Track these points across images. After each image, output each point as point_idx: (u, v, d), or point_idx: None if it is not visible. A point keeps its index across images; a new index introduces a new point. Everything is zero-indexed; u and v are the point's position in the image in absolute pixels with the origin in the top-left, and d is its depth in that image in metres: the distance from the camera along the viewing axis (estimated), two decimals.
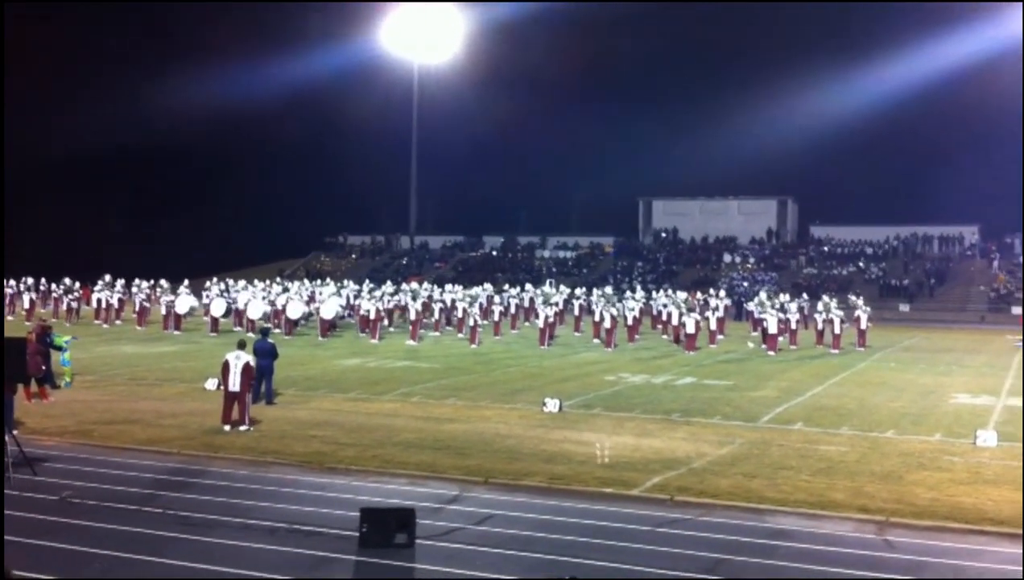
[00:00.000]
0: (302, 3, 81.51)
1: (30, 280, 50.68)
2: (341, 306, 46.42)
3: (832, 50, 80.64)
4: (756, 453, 17.60)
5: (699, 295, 51.74)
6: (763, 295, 46.60)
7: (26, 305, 48.44)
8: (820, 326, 41.66)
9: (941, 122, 73.90)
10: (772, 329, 38.69)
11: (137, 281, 48.53)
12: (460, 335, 42.62)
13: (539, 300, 47.51)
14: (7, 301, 50.17)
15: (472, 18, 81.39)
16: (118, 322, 46.20)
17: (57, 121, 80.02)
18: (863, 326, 40.96)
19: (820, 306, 42.61)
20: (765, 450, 17.90)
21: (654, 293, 53.26)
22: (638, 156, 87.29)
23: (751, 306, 49.50)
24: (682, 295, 48.16)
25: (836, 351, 38.60)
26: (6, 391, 16.90)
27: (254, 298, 45.12)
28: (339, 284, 54.78)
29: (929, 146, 78.23)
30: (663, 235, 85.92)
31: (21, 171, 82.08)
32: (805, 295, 53.27)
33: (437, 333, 44.11)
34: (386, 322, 44.89)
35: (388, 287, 51.03)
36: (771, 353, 37.34)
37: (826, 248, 78.95)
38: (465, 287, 52.24)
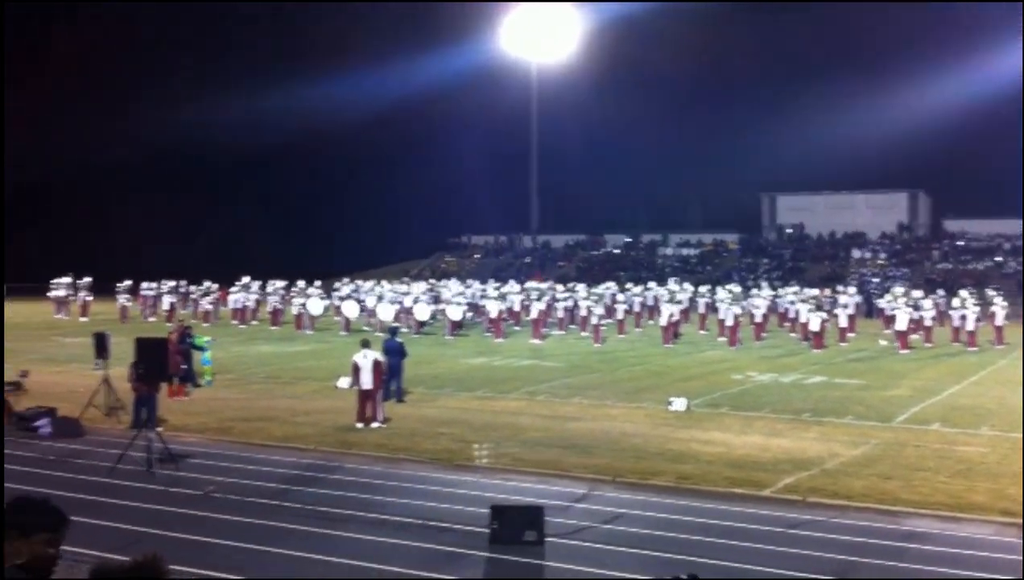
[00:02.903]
0: (423, 4, 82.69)
1: (171, 283, 52.62)
2: (466, 309, 46.91)
3: (965, 34, 77.78)
4: (891, 454, 17.19)
5: (828, 292, 50.60)
6: (895, 291, 45.32)
7: (167, 307, 50.36)
8: (956, 323, 40.30)
9: None
10: (902, 326, 37.61)
11: (271, 283, 49.97)
12: (584, 334, 42.65)
13: (663, 298, 47.20)
14: (149, 303, 52.19)
15: (590, 16, 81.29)
16: (254, 322, 47.69)
17: (191, 124, 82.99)
18: (999, 322, 39.48)
19: (956, 302, 41.22)
20: (900, 451, 17.47)
21: (780, 290, 52.33)
22: (761, 150, 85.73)
23: (882, 303, 48.17)
24: (810, 292, 47.19)
25: (973, 349, 37.30)
26: (149, 389, 17.72)
27: (383, 298, 45.98)
28: (464, 284, 55.39)
29: None
30: (788, 231, 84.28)
31: (159, 176, 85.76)
32: (940, 291, 51.60)
33: (561, 332, 44.24)
34: (511, 321, 45.26)
35: (512, 286, 51.44)
36: (903, 351, 36.31)
37: (961, 242, 76.18)
38: (588, 286, 52.23)
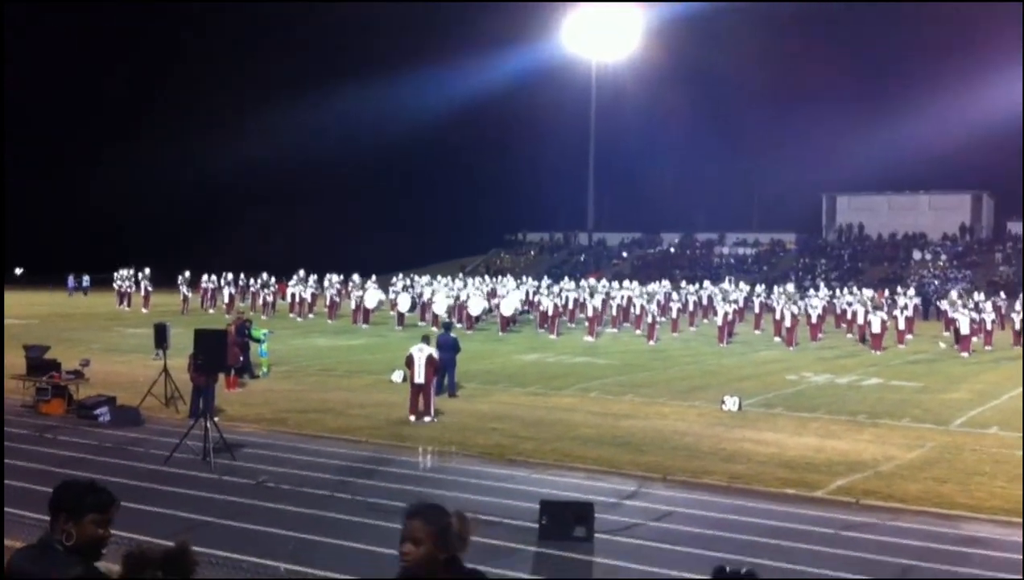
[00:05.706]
0: (484, 4, 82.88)
1: (230, 275, 53.30)
2: (520, 301, 47.01)
3: None
4: (948, 457, 16.94)
5: (887, 293, 49.95)
6: (955, 293, 44.60)
7: (226, 299, 51.00)
8: (1018, 326, 39.54)
9: None
10: (965, 329, 37.00)
11: (329, 276, 50.42)
12: (638, 332, 42.51)
13: (718, 297, 46.90)
14: (208, 295, 52.93)
15: (651, 16, 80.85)
16: (311, 315, 48.15)
17: (260, 129, 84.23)
18: None
19: (1018, 305, 40.46)
20: (957, 454, 17.20)
21: (838, 291, 51.74)
22: (821, 150, 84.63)
23: (943, 305, 47.45)
24: (868, 293, 46.61)
25: None
26: (207, 380, 17.99)
27: (438, 293, 46.20)
28: (519, 280, 55.47)
29: None
30: (848, 231, 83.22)
31: (225, 175, 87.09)
32: (1002, 294, 50.66)
33: (615, 329, 44.13)
34: (565, 318, 45.21)
35: (567, 283, 51.44)
36: (964, 354, 35.72)
37: None
38: (643, 284, 52.08)
